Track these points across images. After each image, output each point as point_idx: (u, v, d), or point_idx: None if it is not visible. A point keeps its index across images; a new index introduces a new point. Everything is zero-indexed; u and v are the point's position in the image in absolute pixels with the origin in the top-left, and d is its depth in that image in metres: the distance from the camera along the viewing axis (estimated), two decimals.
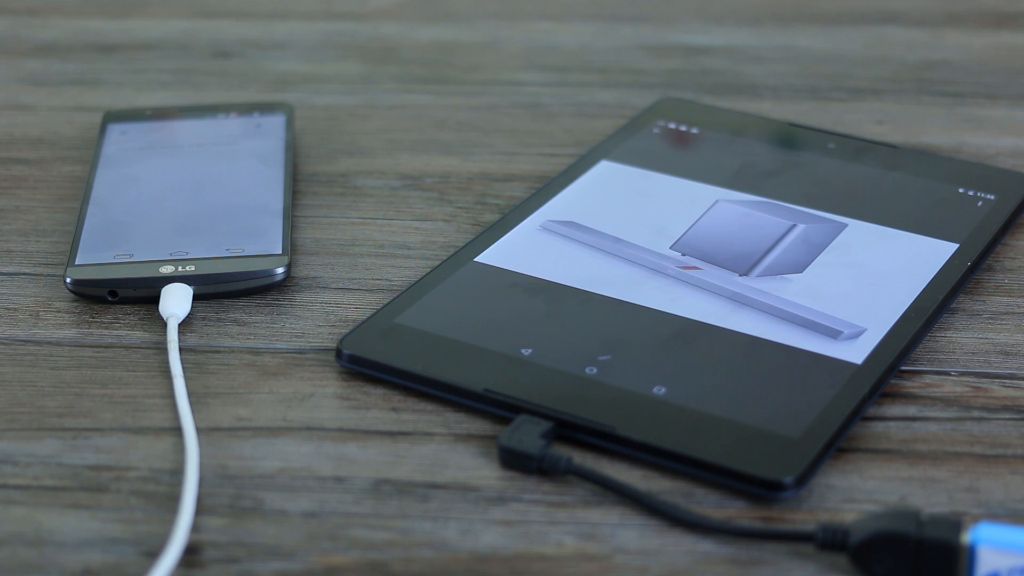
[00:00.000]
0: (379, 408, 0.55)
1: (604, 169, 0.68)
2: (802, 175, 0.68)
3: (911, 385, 0.56)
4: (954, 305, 0.60)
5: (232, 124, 0.72)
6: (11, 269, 0.63)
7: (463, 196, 0.68)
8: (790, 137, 0.71)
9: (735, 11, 0.86)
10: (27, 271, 0.63)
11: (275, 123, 0.71)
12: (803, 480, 0.51)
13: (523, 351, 0.56)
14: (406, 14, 0.86)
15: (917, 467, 0.52)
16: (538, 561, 0.49)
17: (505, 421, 0.54)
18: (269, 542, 0.50)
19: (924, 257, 0.61)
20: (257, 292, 0.61)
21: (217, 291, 0.61)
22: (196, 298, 0.60)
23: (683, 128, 0.71)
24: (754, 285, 0.60)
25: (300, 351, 0.58)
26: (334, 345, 0.58)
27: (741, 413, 0.53)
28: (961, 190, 0.66)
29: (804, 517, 0.50)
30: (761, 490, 0.51)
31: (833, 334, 0.57)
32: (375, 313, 0.58)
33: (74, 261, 0.61)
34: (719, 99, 0.76)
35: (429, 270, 0.61)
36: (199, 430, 0.54)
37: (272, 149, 0.69)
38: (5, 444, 0.54)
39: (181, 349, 0.58)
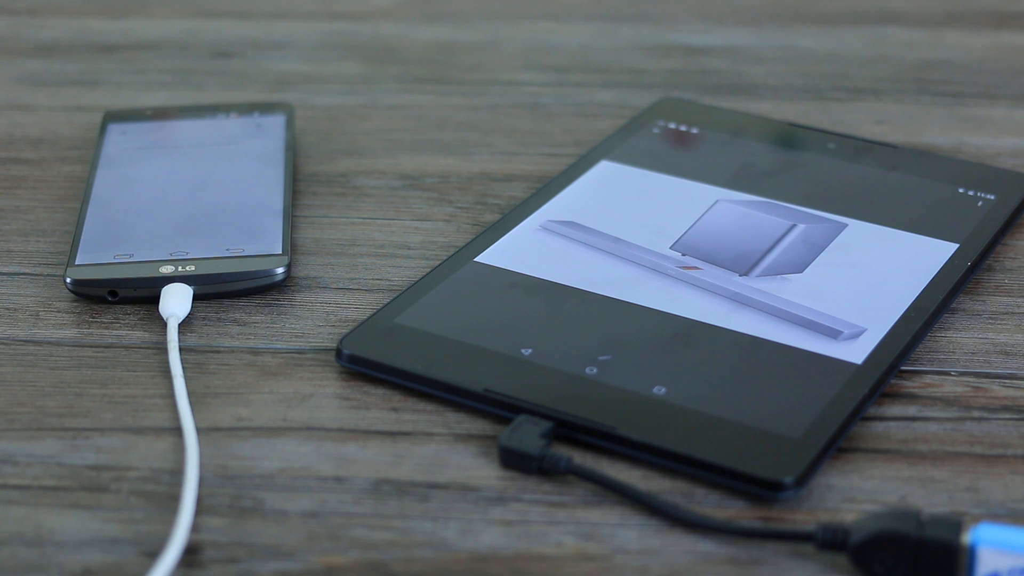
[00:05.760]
0: (379, 408, 0.55)
1: (604, 169, 0.68)
2: (802, 175, 0.68)
3: (911, 385, 0.56)
4: (954, 305, 0.60)
5: (232, 124, 0.72)
6: (11, 269, 0.63)
7: (463, 196, 0.68)
8: (790, 137, 0.71)
9: (735, 11, 0.86)
10: (27, 271, 0.63)
11: (275, 123, 0.71)
12: (803, 480, 0.51)
13: (523, 351, 0.56)
14: (406, 14, 0.86)
15: (917, 467, 0.52)
16: (538, 561, 0.49)
17: (505, 421, 0.54)
18: (269, 542, 0.50)
19: (924, 257, 0.61)
20: (257, 292, 0.61)
21: (217, 291, 0.61)
22: (196, 298, 0.60)
23: (683, 128, 0.71)
24: (754, 285, 0.60)
25: (300, 351, 0.58)
26: (334, 345, 0.58)
27: (741, 413, 0.53)
28: (961, 190, 0.66)
29: (804, 517, 0.50)
30: (761, 490, 0.51)
31: (833, 334, 0.57)
32: (375, 313, 0.58)
33: (74, 261, 0.61)
34: (719, 99, 0.76)
35: (429, 270, 0.61)
36: (199, 430, 0.54)
37: (272, 149, 0.69)
38: (5, 444, 0.54)
39: (181, 349, 0.58)
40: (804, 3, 0.87)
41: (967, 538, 0.47)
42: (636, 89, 0.78)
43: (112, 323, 0.60)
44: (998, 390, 0.56)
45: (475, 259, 0.61)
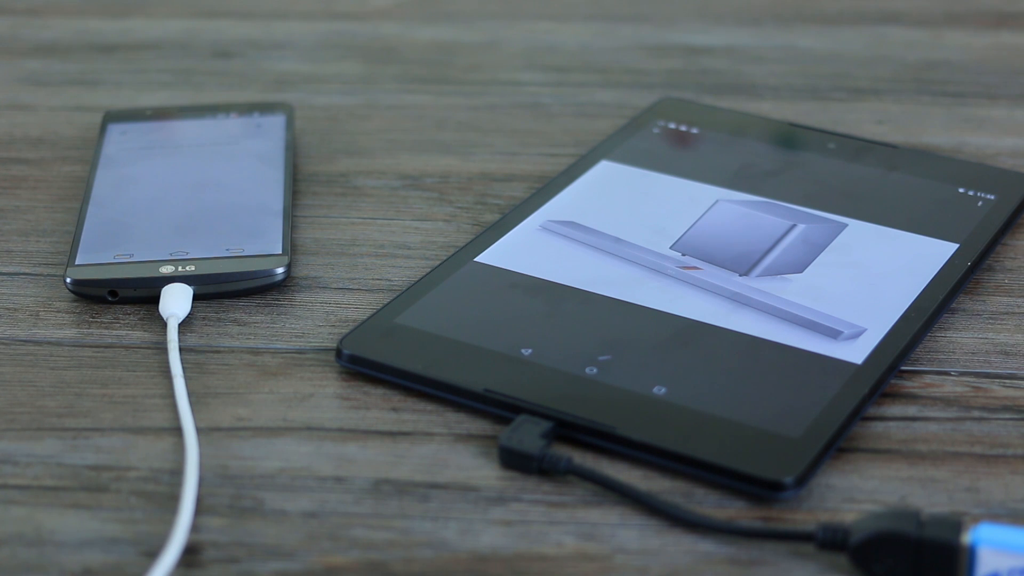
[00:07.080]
0: (379, 408, 0.55)
1: (604, 169, 0.68)
2: (802, 175, 0.68)
3: (911, 385, 0.56)
4: (954, 305, 0.60)
5: (232, 124, 0.72)
6: (11, 269, 0.63)
7: (463, 196, 0.68)
8: (790, 137, 0.71)
9: (735, 11, 0.86)
10: (27, 271, 0.63)
11: (275, 123, 0.71)
12: (803, 480, 0.51)
13: (523, 351, 0.56)
14: (406, 14, 0.86)
15: (917, 467, 0.52)
16: (538, 561, 0.49)
17: (505, 421, 0.54)
18: (269, 542, 0.50)
19: (924, 257, 0.61)
20: (257, 292, 0.61)
21: (217, 291, 0.61)
22: (196, 298, 0.60)
23: (683, 128, 0.71)
24: (754, 285, 0.60)
25: (300, 351, 0.58)
26: (334, 345, 0.58)
27: (741, 413, 0.53)
28: (961, 190, 0.66)
29: (804, 517, 0.50)
30: (761, 490, 0.51)
31: (833, 334, 0.57)
32: (375, 313, 0.58)
33: (74, 261, 0.61)
34: (719, 99, 0.76)
35: (429, 270, 0.61)
36: (199, 430, 0.54)
37: (272, 149, 0.69)
38: (5, 444, 0.54)
39: (181, 349, 0.58)
40: (804, 3, 0.87)
41: (967, 538, 0.47)
42: (636, 89, 0.78)
43: (112, 323, 0.60)
44: (998, 390, 0.56)
45: (475, 259, 0.61)
